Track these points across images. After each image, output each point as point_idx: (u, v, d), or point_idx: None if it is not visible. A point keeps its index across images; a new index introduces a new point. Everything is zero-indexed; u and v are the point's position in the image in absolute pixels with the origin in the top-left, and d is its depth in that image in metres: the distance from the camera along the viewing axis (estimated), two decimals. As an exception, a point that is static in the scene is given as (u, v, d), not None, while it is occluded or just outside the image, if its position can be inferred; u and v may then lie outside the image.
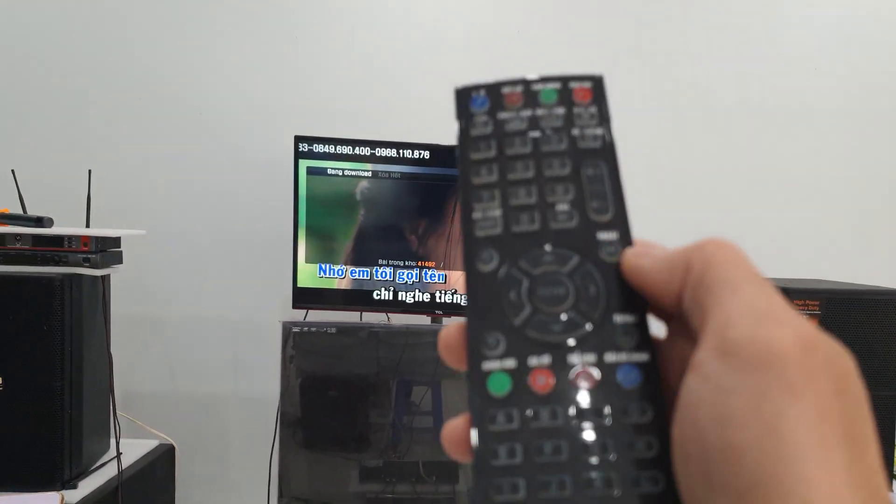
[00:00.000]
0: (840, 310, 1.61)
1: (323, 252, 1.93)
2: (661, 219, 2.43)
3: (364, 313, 2.07)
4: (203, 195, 2.34)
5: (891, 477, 1.65)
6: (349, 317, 2.09)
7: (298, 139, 1.90)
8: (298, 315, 2.06)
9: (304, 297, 1.94)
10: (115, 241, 1.77)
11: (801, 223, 2.47)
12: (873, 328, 1.61)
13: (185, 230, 2.34)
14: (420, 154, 1.89)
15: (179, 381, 2.36)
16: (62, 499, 1.34)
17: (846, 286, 1.68)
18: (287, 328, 1.79)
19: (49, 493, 1.33)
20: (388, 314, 2.03)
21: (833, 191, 2.48)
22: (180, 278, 2.35)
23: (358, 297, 1.95)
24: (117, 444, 1.73)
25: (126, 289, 2.31)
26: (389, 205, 1.92)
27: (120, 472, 1.68)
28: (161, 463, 1.90)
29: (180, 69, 2.32)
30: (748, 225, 2.45)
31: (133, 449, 1.87)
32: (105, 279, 1.77)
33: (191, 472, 2.35)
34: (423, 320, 2.01)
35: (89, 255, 1.65)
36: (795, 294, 1.62)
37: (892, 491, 1.40)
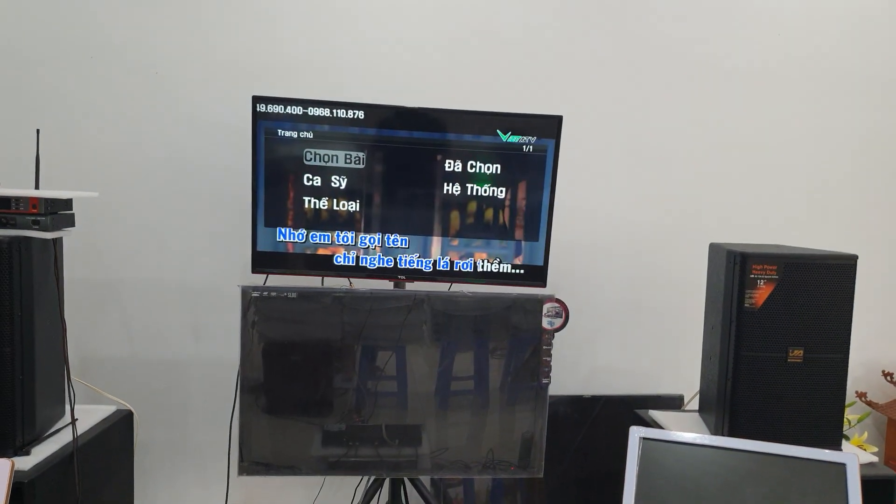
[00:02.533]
0: (797, 274, 1.64)
1: (283, 215, 1.89)
2: (622, 185, 2.44)
3: (325, 278, 2.05)
4: (159, 156, 2.27)
5: (841, 436, 1.70)
6: (310, 282, 2.07)
7: (257, 99, 1.85)
8: (258, 280, 2.03)
9: (263, 262, 1.91)
10: (67, 203, 1.71)
11: (761, 190, 2.50)
12: (828, 292, 1.64)
13: (141, 192, 2.27)
14: (355, 114, 1.85)
15: (138, 346, 2.31)
16: (13, 465, 1.31)
17: (803, 251, 1.71)
18: (247, 293, 1.76)
19: (-2, 460, 1.30)
20: (350, 279, 2.01)
21: (791, 158, 2.51)
22: (136, 241, 2.28)
23: (319, 262, 1.92)
24: (72, 410, 1.70)
25: (80, 253, 2.25)
26: (354, 169, 1.89)
27: (75, 438, 1.65)
28: (119, 428, 1.87)
29: (135, 26, 2.23)
30: (709, 191, 2.47)
31: (90, 415, 1.84)
32: (57, 242, 1.71)
33: (151, 437, 2.33)
34: (386, 285, 1.99)
35: (39, 218, 1.59)
36: (755, 259, 1.64)
37: (841, 449, 1.44)
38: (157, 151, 2.27)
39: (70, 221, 1.72)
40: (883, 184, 2.54)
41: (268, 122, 1.85)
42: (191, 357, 2.33)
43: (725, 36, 2.43)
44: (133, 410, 1.95)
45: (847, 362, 1.65)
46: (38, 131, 1.72)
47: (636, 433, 1.51)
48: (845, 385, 1.66)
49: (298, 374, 1.80)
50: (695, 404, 2.06)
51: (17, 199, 1.57)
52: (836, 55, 2.49)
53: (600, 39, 2.38)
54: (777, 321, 1.65)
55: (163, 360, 2.32)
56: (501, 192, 1.91)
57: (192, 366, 2.33)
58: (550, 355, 1.84)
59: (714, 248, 1.85)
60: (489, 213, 1.92)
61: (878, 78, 2.51)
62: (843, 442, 1.76)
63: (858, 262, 1.66)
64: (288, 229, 1.90)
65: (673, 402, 2.32)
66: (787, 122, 2.49)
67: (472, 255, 1.94)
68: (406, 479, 1.99)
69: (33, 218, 1.59)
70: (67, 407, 1.78)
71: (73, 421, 1.68)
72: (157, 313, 2.31)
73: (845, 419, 2.24)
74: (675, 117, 2.44)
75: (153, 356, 2.32)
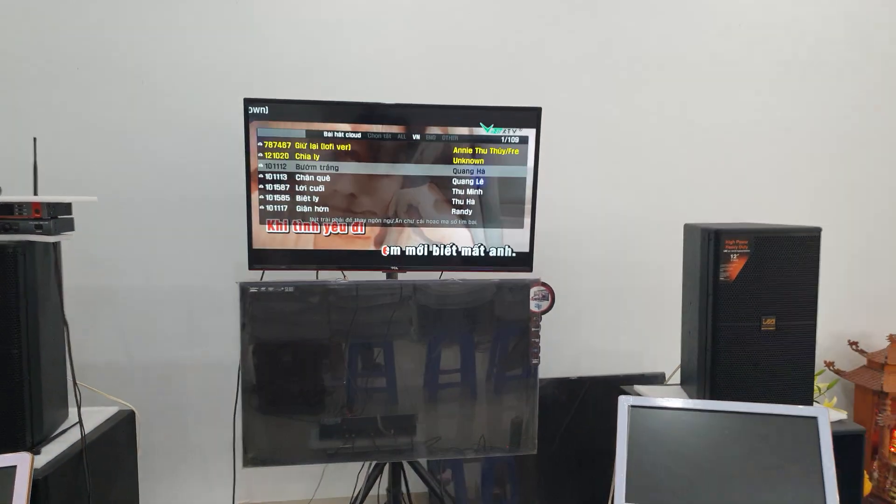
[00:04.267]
0: (767, 247, 1.76)
1: (276, 212, 1.95)
2: (597, 174, 2.55)
3: (320, 273, 2.11)
4: (149, 160, 2.31)
5: (812, 394, 1.82)
6: (305, 277, 2.13)
7: (249, 102, 1.91)
8: (255, 278, 2.09)
9: (259, 258, 1.97)
10: (67, 208, 1.75)
11: (729, 173, 2.63)
12: (796, 262, 1.76)
13: (133, 197, 2.31)
14: (343, 113, 1.90)
15: (133, 350, 2.34)
16: (33, 459, 1.35)
17: (771, 226, 1.83)
18: (245, 289, 1.82)
19: (19, 454, 1.34)
20: (344, 272, 2.07)
21: (755, 142, 2.64)
22: (128, 246, 2.32)
23: (313, 256, 1.98)
24: (79, 410, 1.73)
25: (75, 258, 2.28)
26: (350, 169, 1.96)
27: (83, 437, 1.69)
28: (123, 427, 1.91)
29: (123, 36, 2.27)
30: (683, 176, 2.60)
31: (94, 415, 1.87)
32: (57, 246, 1.75)
33: (151, 438, 2.36)
34: (379, 276, 2.06)
35: (41, 222, 1.63)
36: (727, 234, 1.75)
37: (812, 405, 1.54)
38: (148, 156, 2.31)
39: (70, 226, 1.76)
40: (844, 166, 2.69)
41: (259, 123, 1.92)
42: (186, 358, 2.37)
43: (690, 31, 2.56)
44: (135, 410, 1.98)
45: (815, 327, 1.77)
46: (34, 139, 1.75)
47: (625, 402, 1.61)
48: (814, 349, 1.78)
49: (299, 369, 1.86)
50: (676, 380, 2.16)
51: (21, 205, 1.61)
52: (792, 46, 2.63)
53: (573, 37, 2.48)
54: (750, 292, 1.76)
55: (159, 363, 2.36)
56: (487, 181, 2.00)
57: (187, 367, 2.37)
58: (539, 336, 1.93)
59: (689, 228, 1.97)
60: (475, 202, 2.01)
61: (833, 67, 2.66)
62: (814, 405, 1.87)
63: (823, 239, 1.78)
64: (281, 225, 1.96)
65: (656, 380, 2.42)
66: (750, 109, 2.63)
67: (457, 242, 2.02)
68: (405, 463, 2.06)
69: (36, 223, 1.62)
70: (72, 409, 1.82)
71: (81, 420, 1.72)
72: (150, 316, 2.34)
73: (815, 387, 2.37)
74: (645, 108, 2.56)
75: (149, 359, 2.35)
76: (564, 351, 2.58)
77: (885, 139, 2.71)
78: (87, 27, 2.25)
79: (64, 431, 1.75)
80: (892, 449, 2.45)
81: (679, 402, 1.60)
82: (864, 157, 2.71)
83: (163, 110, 2.30)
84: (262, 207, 1.95)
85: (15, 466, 1.33)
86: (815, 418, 1.50)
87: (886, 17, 2.66)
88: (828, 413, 1.51)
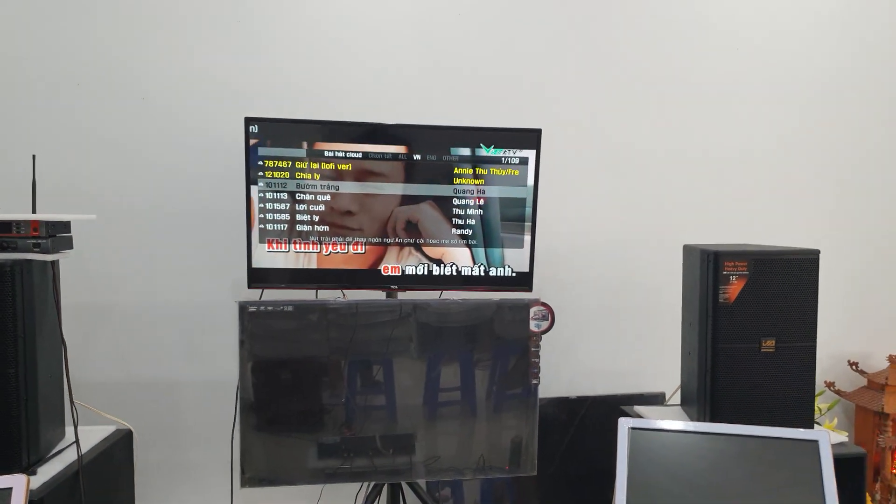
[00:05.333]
0: (766, 269, 1.76)
1: (276, 231, 1.95)
2: (597, 194, 2.55)
3: (319, 292, 2.10)
4: (149, 178, 2.31)
5: (813, 417, 1.81)
6: (304, 296, 2.12)
7: (249, 121, 1.91)
8: (254, 296, 2.08)
9: (259, 277, 1.96)
10: (65, 226, 1.75)
11: (728, 194, 2.64)
12: (795, 284, 1.76)
13: (131, 215, 2.31)
14: (345, 132, 1.91)
15: (131, 368, 2.33)
16: (28, 481, 1.34)
17: (770, 248, 1.83)
18: (244, 308, 1.81)
19: (14, 475, 1.33)
20: (343, 291, 2.07)
21: (754, 163, 2.65)
22: (126, 264, 2.32)
23: (312, 275, 1.98)
24: (76, 429, 1.72)
25: (73, 276, 2.28)
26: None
27: (80, 457, 1.68)
28: (120, 447, 1.89)
29: (119, 51, 2.28)
30: (683, 196, 2.60)
31: (91, 435, 1.85)
32: (55, 265, 1.74)
33: (147, 457, 2.34)
34: (379, 295, 2.06)
35: (39, 241, 1.62)
36: (727, 256, 1.76)
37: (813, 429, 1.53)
38: (147, 173, 2.31)
39: (68, 244, 1.75)
40: (843, 188, 2.70)
41: (260, 141, 1.92)
42: (184, 376, 2.36)
43: (691, 52, 2.58)
44: (132, 429, 1.97)
45: (815, 349, 1.77)
46: (34, 157, 1.76)
47: (625, 424, 1.60)
48: (815, 370, 1.77)
49: (298, 387, 1.85)
50: (676, 399, 2.16)
51: (18, 223, 1.61)
52: (790, 68, 2.65)
53: (574, 58, 2.50)
54: (750, 314, 1.76)
55: (156, 380, 2.35)
56: (487, 201, 2.01)
57: (185, 384, 2.36)
58: (539, 356, 1.92)
59: (688, 249, 1.97)
60: (475, 222, 2.01)
61: (832, 90, 2.68)
62: (815, 426, 1.87)
63: (823, 260, 1.78)
64: (281, 244, 1.96)
65: (655, 399, 2.41)
66: (750, 130, 2.64)
67: (458, 262, 2.02)
68: (404, 484, 2.04)
69: (34, 241, 1.62)
70: (69, 428, 1.80)
71: (77, 440, 1.71)
72: (148, 334, 2.33)
73: (816, 408, 2.36)
74: (646, 129, 2.57)
75: (146, 377, 2.34)
76: (564, 370, 2.57)
77: (883, 162, 2.72)
78: (87, 44, 2.26)
79: (61, 451, 1.74)
80: (894, 471, 2.44)
81: (679, 424, 1.59)
82: (863, 179, 2.72)
83: (163, 127, 2.31)
84: (261, 226, 1.95)
85: (11, 489, 1.31)
86: (816, 441, 1.49)
87: (890, 43, 2.68)
88: (829, 436, 1.50)
